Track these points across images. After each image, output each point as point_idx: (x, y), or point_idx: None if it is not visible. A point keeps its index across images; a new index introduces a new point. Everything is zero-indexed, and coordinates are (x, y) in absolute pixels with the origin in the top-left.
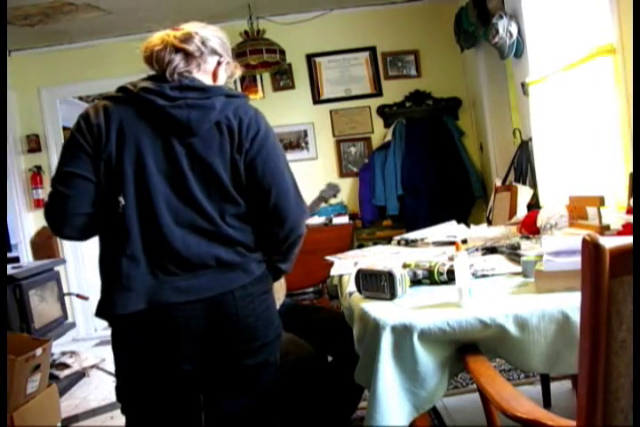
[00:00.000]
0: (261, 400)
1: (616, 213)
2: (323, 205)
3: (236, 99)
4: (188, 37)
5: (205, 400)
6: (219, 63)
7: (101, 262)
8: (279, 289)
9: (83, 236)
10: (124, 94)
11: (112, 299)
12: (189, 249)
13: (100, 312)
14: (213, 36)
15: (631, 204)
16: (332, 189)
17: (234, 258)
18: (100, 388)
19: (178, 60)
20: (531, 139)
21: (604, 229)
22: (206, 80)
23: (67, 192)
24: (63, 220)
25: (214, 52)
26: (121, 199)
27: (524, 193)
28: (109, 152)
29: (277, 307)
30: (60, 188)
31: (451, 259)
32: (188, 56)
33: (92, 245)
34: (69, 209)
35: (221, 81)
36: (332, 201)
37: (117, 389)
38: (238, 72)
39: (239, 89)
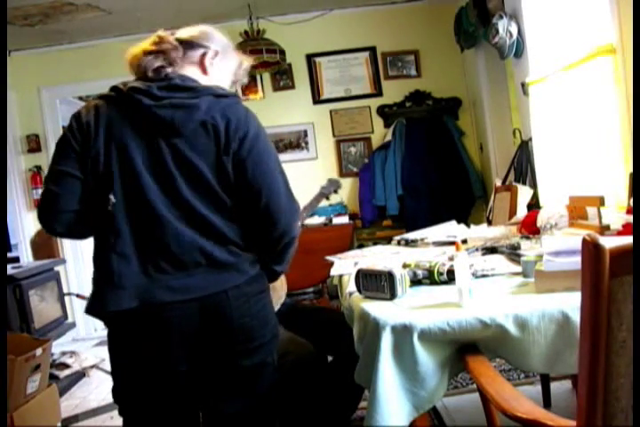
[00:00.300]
0: (260, 401)
1: (616, 213)
2: (324, 202)
3: (225, 99)
4: (158, 40)
5: (203, 401)
6: (204, 54)
7: (94, 260)
8: (280, 288)
9: (71, 233)
10: (116, 93)
11: (103, 296)
12: (182, 246)
13: (91, 309)
14: (194, 30)
15: (631, 204)
16: (333, 185)
17: (227, 257)
18: (100, 388)
19: (153, 60)
20: (531, 139)
21: (603, 229)
22: (197, 74)
23: (56, 190)
24: (53, 217)
25: (196, 44)
26: (111, 197)
27: (524, 193)
28: (97, 150)
29: (278, 306)
30: (50, 186)
31: (451, 259)
32: (163, 54)
33: (92, 245)
34: (58, 206)
35: (216, 71)
36: (333, 201)
37: (114, 390)
38: (246, 63)
39: (239, 89)
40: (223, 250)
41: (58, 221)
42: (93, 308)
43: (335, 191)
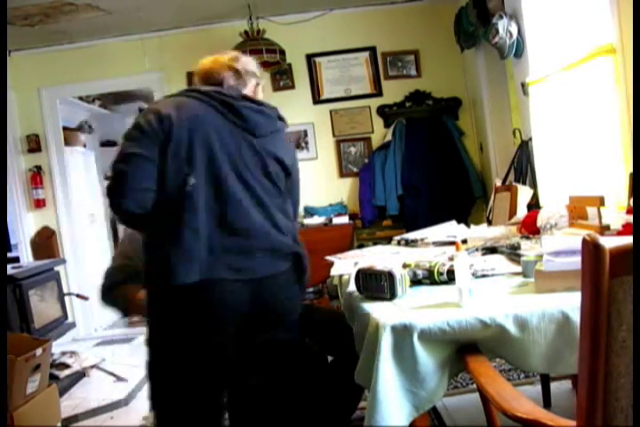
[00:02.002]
0: (281, 376)
1: (616, 213)
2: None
3: (281, 121)
4: (235, 58)
5: (234, 374)
6: (257, 84)
7: (163, 237)
8: None
9: (142, 209)
10: (196, 93)
11: (174, 268)
12: (251, 231)
13: (159, 281)
14: (250, 61)
15: (631, 204)
16: None
17: (285, 246)
18: (100, 388)
19: (229, 77)
20: (531, 139)
21: (603, 229)
22: None
23: (125, 169)
24: (127, 194)
25: (253, 74)
26: (192, 178)
27: (524, 193)
28: (180, 137)
29: None
30: (120, 166)
31: (451, 259)
32: (236, 74)
33: (92, 245)
34: (133, 184)
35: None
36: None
37: (151, 364)
38: (261, 95)
39: None
40: (284, 240)
41: (129, 198)
42: (162, 280)
43: None
